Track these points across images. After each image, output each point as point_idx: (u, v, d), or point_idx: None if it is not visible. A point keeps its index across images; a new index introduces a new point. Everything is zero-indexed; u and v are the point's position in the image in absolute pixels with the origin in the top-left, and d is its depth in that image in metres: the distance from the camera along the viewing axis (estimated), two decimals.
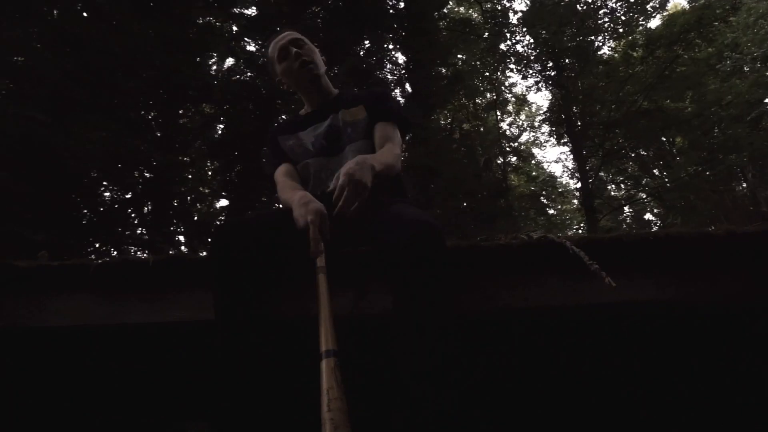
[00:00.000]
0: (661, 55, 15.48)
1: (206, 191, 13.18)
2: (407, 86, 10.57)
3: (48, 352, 1.39)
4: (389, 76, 9.93)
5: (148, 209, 6.72)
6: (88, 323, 1.23)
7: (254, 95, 9.79)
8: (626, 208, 21.45)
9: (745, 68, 14.88)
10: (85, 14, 6.77)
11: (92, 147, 3.99)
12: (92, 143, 3.99)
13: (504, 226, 11.79)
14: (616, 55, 17.04)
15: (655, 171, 19.78)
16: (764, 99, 13.84)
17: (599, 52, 16.75)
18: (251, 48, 12.80)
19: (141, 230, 8.10)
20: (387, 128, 1.70)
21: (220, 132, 11.80)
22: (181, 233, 8.88)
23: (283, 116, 10.42)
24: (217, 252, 1.18)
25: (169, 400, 1.44)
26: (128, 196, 6.19)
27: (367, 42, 11.08)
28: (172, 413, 1.52)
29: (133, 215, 7.46)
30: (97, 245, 6.17)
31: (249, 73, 12.34)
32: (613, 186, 20.31)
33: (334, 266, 1.29)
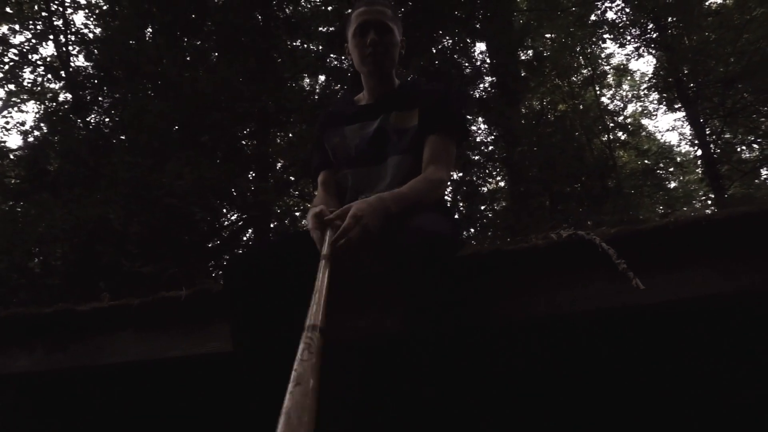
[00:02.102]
0: None
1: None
2: (487, 77, 10.25)
3: (107, 388, 1.52)
4: (467, 71, 9.69)
5: (250, 234, 7.18)
6: (132, 360, 1.33)
7: None
8: (764, 171, 18.91)
9: None
10: (188, 58, 7.48)
11: (185, 182, 4.39)
12: (184, 178, 4.39)
13: (613, 207, 10.99)
14: (727, 1, 15.21)
15: None
16: None
17: (706, 3, 15.05)
18: (335, 63, 13.24)
19: None
20: (437, 144, 1.54)
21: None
22: None
23: None
24: (228, 284, 1.21)
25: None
26: (227, 224, 6.68)
27: (444, 39, 10.92)
28: None
29: (241, 240, 8.02)
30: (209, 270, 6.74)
31: (337, 86, 12.75)
32: (743, 147, 18.01)
33: (355, 285, 1.28)
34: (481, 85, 10.61)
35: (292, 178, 10.82)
